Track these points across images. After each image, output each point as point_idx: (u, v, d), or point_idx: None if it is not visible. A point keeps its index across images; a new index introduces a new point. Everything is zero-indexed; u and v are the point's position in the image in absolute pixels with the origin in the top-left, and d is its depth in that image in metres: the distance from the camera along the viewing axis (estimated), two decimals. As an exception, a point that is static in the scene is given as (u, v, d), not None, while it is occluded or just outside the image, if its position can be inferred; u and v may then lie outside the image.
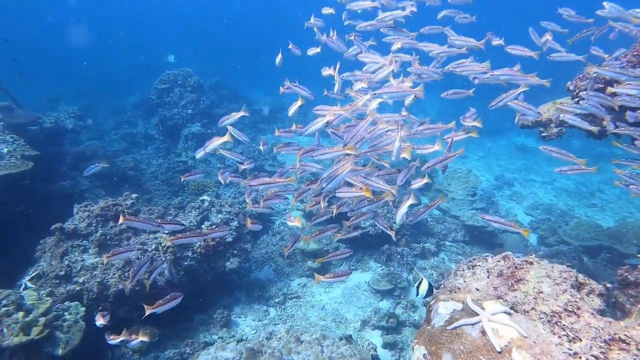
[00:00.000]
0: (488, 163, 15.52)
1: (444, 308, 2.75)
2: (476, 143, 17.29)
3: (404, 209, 3.54)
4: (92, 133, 13.67)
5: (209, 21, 44.30)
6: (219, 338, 6.49)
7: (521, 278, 2.70)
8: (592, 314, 2.39)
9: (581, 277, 2.69)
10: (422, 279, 3.30)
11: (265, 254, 8.58)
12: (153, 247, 5.95)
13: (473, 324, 2.52)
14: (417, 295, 3.38)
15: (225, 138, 4.57)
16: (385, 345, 6.29)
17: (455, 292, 2.91)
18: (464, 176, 10.65)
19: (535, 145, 16.58)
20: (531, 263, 2.77)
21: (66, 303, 5.02)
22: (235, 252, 7.19)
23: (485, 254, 3.10)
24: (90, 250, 5.68)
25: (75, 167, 9.33)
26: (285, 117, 17.53)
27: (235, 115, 4.81)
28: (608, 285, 3.80)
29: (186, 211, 7.17)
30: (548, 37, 4.61)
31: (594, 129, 4.20)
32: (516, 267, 2.75)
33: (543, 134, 5.08)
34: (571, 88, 4.85)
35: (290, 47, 6.10)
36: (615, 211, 11.66)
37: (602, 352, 2.13)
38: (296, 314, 7.10)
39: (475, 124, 3.93)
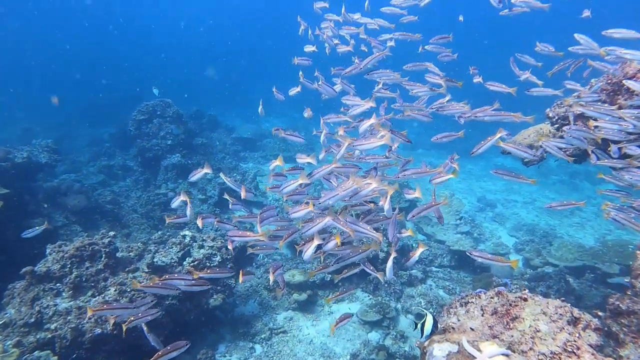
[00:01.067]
0: (470, 185, 15.72)
1: (439, 350, 2.65)
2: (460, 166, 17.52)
3: (390, 263, 3.65)
4: (67, 166, 13.30)
5: (187, 48, 44.51)
6: (203, 380, 6.19)
7: (517, 316, 2.63)
8: (593, 354, 2.32)
9: (576, 312, 2.64)
10: (426, 315, 3.11)
11: (249, 287, 8.33)
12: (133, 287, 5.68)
13: (471, 368, 2.42)
14: (422, 336, 3.15)
15: (206, 169, 5.03)
16: (377, 381, 6.10)
17: (450, 332, 2.81)
18: (447, 199, 10.72)
19: (514, 166, 16.93)
20: (525, 299, 2.71)
21: (36, 353, 4.70)
22: (219, 287, 6.96)
23: (478, 290, 3.03)
24: (63, 294, 5.37)
25: (49, 203, 8.98)
26: (266, 144, 17.50)
27: (202, 171, 5.14)
28: (600, 313, 3.77)
29: (167, 247, 6.93)
30: (527, 74, 4.77)
31: (571, 159, 4.28)
32: (511, 305, 2.69)
33: (525, 160, 5.15)
34: (550, 115, 4.97)
35: (273, 90, 6.22)
36: (595, 229, 11.87)
37: (605, 396, 2.06)
38: (283, 350, 6.85)
39: (455, 165, 4.03)
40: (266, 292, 8.14)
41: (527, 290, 2.82)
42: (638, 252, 3.99)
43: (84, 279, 5.46)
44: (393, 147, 4.10)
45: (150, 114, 12.83)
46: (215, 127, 17.21)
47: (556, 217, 12.87)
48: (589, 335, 2.57)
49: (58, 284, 5.42)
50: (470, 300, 2.92)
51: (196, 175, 5.05)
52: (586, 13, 5.66)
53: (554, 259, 8.36)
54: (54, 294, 5.32)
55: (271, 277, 4.54)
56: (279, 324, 7.46)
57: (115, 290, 5.45)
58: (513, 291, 6.90)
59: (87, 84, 27.68)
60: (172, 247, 6.87)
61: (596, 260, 8.19)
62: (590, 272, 7.97)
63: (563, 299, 2.76)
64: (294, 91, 6.17)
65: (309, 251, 3.62)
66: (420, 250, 3.94)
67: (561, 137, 4.40)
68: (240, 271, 5.10)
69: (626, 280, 4.23)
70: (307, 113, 6.17)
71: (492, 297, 2.86)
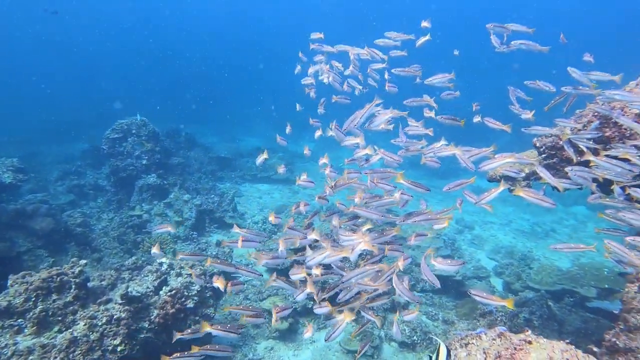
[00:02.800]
0: (447, 206, 15.86)
1: (442, 399, 2.50)
2: (433, 186, 17.70)
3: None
4: (33, 184, 12.62)
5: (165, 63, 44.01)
6: (177, 420, 5.77)
7: (522, 361, 2.53)
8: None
9: (581, 355, 2.55)
10: (439, 345, 2.92)
11: (228, 315, 7.98)
12: (104, 321, 5.29)
13: (479, 420, 2.28)
14: None
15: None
16: (363, 415, 5.86)
17: (452, 377, 2.68)
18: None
19: (489, 186, 17.24)
20: (530, 342, 2.61)
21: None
22: (197, 318, 6.60)
23: (479, 330, 2.91)
24: (26, 330, 4.94)
25: (12, 226, 8.42)
26: (244, 164, 17.24)
27: (168, 227, 5.63)
28: (595, 349, 3.72)
29: (142, 275, 6.56)
30: (528, 114, 4.88)
31: (561, 187, 4.32)
32: (515, 349, 2.58)
33: (510, 188, 5.17)
34: (538, 145, 5.03)
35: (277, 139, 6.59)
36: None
37: None
38: (264, 384, 6.54)
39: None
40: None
41: (529, 332, 2.72)
42: (630, 284, 4.01)
43: (50, 314, 5.05)
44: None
45: (125, 133, 12.41)
46: (192, 145, 16.84)
47: (532, 239, 13.11)
48: (594, 379, 2.48)
49: (20, 320, 4.98)
50: (470, 342, 2.79)
51: None
52: (562, 38, 5.89)
53: (534, 283, 8.42)
54: (14, 331, 4.88)
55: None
56: (259, 354, 7.16)
57: (85, 325, 5.06)
58: (498, 319, 6.88)
59: (57, 99, 26.82)
60: (147, 276, 6.51)
61: (574, 283, 8.29)
62: (569, 295, 8.06)
63: (568, 341, 2.68)
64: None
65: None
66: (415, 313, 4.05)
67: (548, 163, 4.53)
68: (229, 282, 4.85)
69: (606, 302, 4.23)
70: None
71: (494, 339, 2.75)
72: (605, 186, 3.98)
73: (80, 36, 49.20)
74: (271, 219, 5.51)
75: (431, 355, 2.98)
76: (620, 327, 3.62)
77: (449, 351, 2.92)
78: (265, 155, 6.23)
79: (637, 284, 3.95)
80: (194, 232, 10.57)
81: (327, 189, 4.99)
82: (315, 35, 6.76)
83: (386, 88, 5.57)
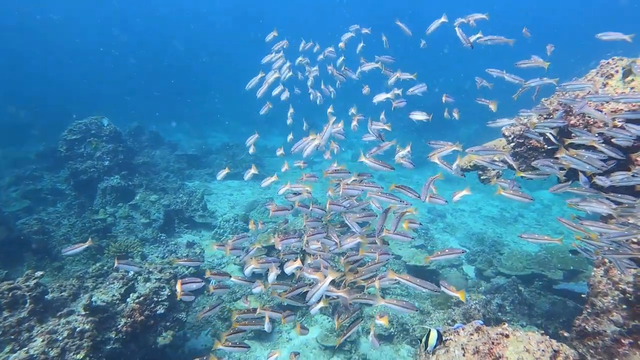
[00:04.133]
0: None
1: (422, 399, 2.43)
2: (405, 176, 17.91)
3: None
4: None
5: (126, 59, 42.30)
6: None
7: (500, 355, 2.49)
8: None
9: (555, 344, 2.55)
10: (429, 330, 2.90)
11: (201, 318, 7.74)
12: (65, 335, 4.97)
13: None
14: (426, 349, 2.94)
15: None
16: (343, 411, 5.81)
17: (431, 375, 2.61)
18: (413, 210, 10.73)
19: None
20: (507, 336, 2.58)
21: None
22: (168, 324, 6.36)
23: (457, 325, 2.87)
24: (-24, 351, 4.56)
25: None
26: (213, 161, 16.84)
27: (82, 246, 5.30)
28: (565, 334, 3.78)
29: (107, 282, 6.23)
30: (491, 105, 4.89)
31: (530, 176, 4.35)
32: (493, 343, 2.54)
33: (482, 177, 5.20)
34: (506, 134, 5.07)
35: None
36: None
37: None
38: (241, 386, 6.38)
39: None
40: (220, 322, 7.61)
41: (506, 325, 2.70)
42: (596, 269, 4.09)
43: (0, 332, 4.69)
44: None
45: (84, 133, 11.78)
46: (158, 144, 16.26)
47: (501, 225, 13.44)
48: (570, 368, 2.48)
49: (-31, 340, 4.60)
50: (449, 337, 2.75)
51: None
52: (525, 32, 5.96)
53: (505, 269, 8.61)
54: (-37, 353, 4.50)
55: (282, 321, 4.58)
56: (235, 355, 6.98)
57: (42, 341, 4.73)
58: (472, 306, 6.96)
59: (7, 98, 25.25)
60: (113, 283, 6.19)
61: (542, 267, 8.53)
62: (538, 279, 8.28)
63: (542, 332, 2.67)
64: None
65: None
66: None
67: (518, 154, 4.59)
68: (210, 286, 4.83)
69: (572, 283, 4.32)
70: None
71: (471, 334, 2.71)
72: (572, 172, 4.04)
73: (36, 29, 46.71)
74: (251, 227, 5.44)
75: (421, 339, 2.95)
76: (588, 311, 3.68)
77: (440, 335, 2.89)
78: (254, 171, 5.95)
79: (603, 267, 4.04)
80: (162, 234, 10.20)
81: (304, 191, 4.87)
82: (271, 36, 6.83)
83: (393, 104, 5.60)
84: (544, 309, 7.30)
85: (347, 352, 6.97)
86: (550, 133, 4.83)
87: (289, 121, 6.84)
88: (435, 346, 2.80)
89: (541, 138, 5.11)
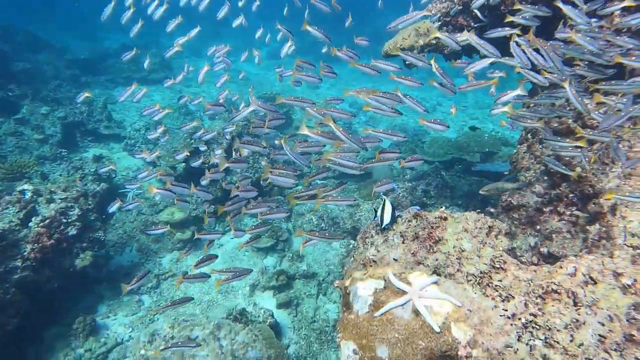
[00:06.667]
0: (339, 91, 15.71)
1: (363, 289, 2.33)
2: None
3: None
4: None
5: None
6: (86, 351, 5.33)
7: (439, 238, 2.41)
8: (517, 265, 2.23)
9: (489, 221, 2.53)
10: (384, 201, 2.59)
11: (123, 234, 7.25)
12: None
13: (403, 305, 2.16)
14: (381, 226, 2.63)
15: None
16: (280, 306, 6.00)
17: (371, 265, 2.50)
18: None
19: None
20: (445, 218, 2.50)
21: None
22: (85, 244, 5.83)
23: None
24: None
25: None
26: (112, 65, 14.65)
27: None
28: (492, 210, 3.93)
29: (0, 208, 5.37)
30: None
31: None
32: (432, 227, 2.45)
33: (407, 63, 4.89)
34: (432, 12, 4.70)
35: None
36: (454, 122, 13.05)
37: (539, 309, 1.97)
38: (175, 295, 6.24)
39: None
40: (144, 236, 7.16)
41: (444, 208, 2.61)
42: (520, 145, 4.21)
43: None
44: None
45: None
46: (38, 47, 13.58)
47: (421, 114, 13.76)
48: (501, 241, 2.50)
49: None
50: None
51: None
52: None
53: (428, 156, 8.90)
54: None
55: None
56: (165, 268, 6.78)
57: None
58: (400, 194, 7.19)
59: None
60: (7, 208, 5.35)
61: (462, 152, 8.95)
62: (458, 163, 8.73)
63: (479, 210, 2.63)
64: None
65: None
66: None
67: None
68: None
69: (505, 173, 4.47)
70: None
71: (410, 221, 2.59)
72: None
73: None
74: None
75: (376, 209, 2.72)
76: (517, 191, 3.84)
77: (394, 210, 2.69)
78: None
79: (526, 144, 4.16)
80: (63, 150, 8.96)
81: None
82: None
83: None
84: (464, 190, 7.80)
85: (281, 251, 7.03)
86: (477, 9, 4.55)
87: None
88: (390, 223, 2.56)
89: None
